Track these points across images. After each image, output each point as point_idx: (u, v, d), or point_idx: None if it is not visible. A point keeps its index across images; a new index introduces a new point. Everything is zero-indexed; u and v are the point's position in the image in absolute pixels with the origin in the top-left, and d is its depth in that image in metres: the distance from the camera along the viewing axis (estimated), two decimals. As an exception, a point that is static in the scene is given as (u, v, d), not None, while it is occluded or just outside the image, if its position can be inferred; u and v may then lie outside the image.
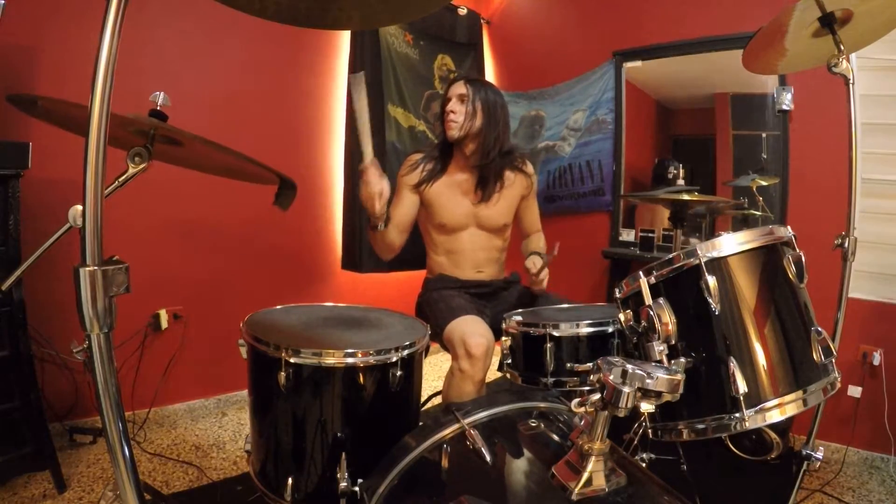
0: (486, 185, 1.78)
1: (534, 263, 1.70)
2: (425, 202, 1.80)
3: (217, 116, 2.29)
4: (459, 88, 1.76)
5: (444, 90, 1.83)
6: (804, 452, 1.35)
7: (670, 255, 0.90)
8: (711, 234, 2.48)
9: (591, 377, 0.74)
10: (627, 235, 2.84)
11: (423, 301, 1.80)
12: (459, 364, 1.45)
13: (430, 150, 1.85)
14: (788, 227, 0.93)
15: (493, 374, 1.55)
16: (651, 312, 0.87)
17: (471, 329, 1.48)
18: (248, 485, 1.28)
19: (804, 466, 1.36)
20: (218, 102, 2.31)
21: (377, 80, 2.77)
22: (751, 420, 0.81)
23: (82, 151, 0.53)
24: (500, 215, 1.83)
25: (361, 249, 2.71)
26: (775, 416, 0.82)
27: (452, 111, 1.74)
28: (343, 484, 1.01)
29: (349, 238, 2.77)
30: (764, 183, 2.29)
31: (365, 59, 2.70)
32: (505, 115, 1.80)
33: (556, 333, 1.31)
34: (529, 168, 1.90)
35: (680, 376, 0.72)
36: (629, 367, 0.71)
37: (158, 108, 0.95)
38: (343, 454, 1.07)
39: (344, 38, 2.74)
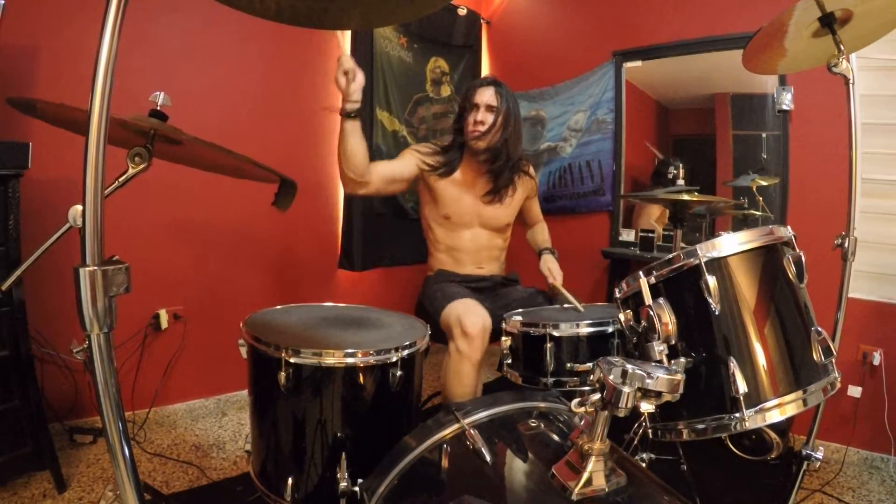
0: (497, 190, 1.81)
1: (549, 271, 1.76)
2: (431, 189, 1.82)
3: (217, 116, 2.28)
4: (490, 98, 1.72)
5: (466, 93, 1.78)
6: (804, 452, 1.35)
7: (670, 255, 0.90)
8: (711, 234, 2.48)
9: (591, 377, 0.74)
10: (627, 235, 2.84)
11: (423, 297, 1.82)
12: (457, 344, 1.46)
13: (443, 148, 1.86)
14: (788, 227, 0.93)
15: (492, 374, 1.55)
16: (651, 312, 0.87)
17: (465, 309, 1.50)
18: (248, 485, 1.28)
19: (804, 466, 1.36)
20: (218, 102, 2.31)
21: (367, 84, 2.76)
22: (751, 420, 0.81)
23: (82, 151, 0.53)
24: (504, 216, 1.87)
25: (357, 247, 2.73)
26: (775, 417, 0.82)
27: (481, 122, 1.71)
28: (343, 484, 1.01)
29: (346, 237, 2.77)
30: (764, 183, 2.28)
31: (358, 62, 2.70)
32: (520, 125, 1.80)
33: (556, 333, 1.31)
34: (532, 171, 1.97)
35: (680, 376, 0.72)
36: (629, 367, 0.71)
37: (158, 108, 0.95)
38: (343, 454, 1.08)
39: (344, 39, 2.73)
